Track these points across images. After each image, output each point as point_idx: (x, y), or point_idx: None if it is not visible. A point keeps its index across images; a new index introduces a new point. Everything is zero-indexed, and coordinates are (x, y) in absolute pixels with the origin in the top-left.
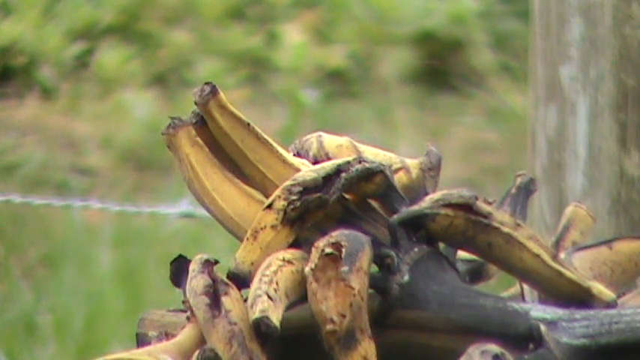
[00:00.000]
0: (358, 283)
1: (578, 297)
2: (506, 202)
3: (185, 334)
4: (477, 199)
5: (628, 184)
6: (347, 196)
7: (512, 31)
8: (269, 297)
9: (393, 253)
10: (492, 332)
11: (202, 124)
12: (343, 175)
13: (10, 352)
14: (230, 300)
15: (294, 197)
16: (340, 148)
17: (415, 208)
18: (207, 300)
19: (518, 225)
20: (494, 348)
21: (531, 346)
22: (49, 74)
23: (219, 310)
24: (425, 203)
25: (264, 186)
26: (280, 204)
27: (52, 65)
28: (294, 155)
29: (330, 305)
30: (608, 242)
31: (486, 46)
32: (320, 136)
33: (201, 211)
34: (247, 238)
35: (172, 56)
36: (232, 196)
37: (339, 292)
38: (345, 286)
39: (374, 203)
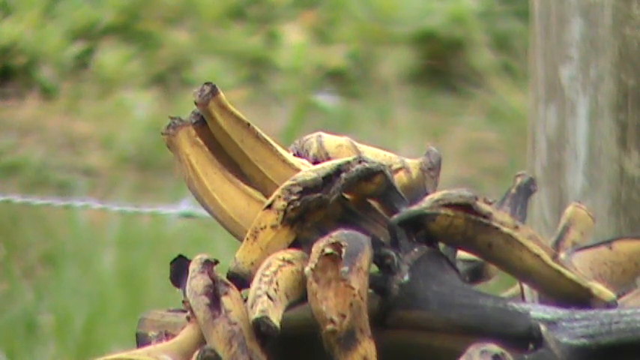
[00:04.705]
0: (358, 283)
1: (578, 297)
2: (506, 202)
3: (185, 334)
4: (476, 199)
5: (628, 184)
6: (347, 196)
7: (512, 31)
8: (269, 297)
9: (393, 253)
10: (492, 332)
11: (202, 124)
12: (343, 175)
13: (11, 352)
14: (230, 300)
15: (294, 197)
16: (340, 148)
17: (415, 208)
18: (207, 300)
19: (518, 225)
20: (494, 348)
21: (531, 346)
22: (49, 74)
23: (219, 310)
24: (425, 203)
25: (264, 186)
26: (280, 204)
27: (52, 65)
28: (294, 155)
29: (330, 305)
30: (608, 242)
31: (486, 46)
32: (320, 136)
33: (201, 211)
34: (247, 238)
35: (172, 56)
36: (232, 196)
37: (339, 292)
38: (345, 286)
39: (374, 203)
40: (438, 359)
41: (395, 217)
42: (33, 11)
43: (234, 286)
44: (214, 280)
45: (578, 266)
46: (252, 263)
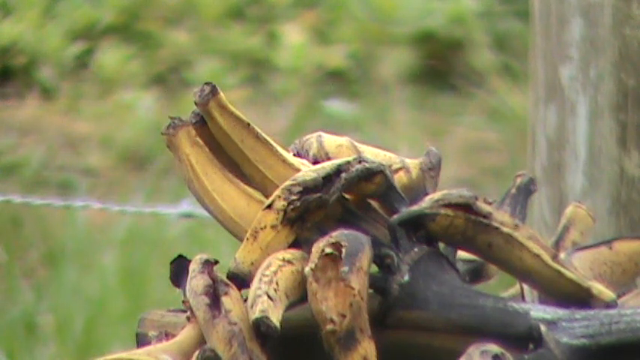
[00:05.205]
0: (358, 283)
1: (578, 297)
2: (506, 202)
3: (185, 334)
4: (476, 199)
5: (628, 184)
6: (347, 196)
7: (512, 31)
8: (269, 297)
9: (393, 253)
10: (492, 332)
11: (202, 124)
12: (343, 175)
13: (11, 352)
14: (230, 300)
15: (294, 197)
16: (340, 148)
17: (415, 208)
18: (207, 300)
19: (518, 225)
20: (494, 348)
21: (531, 346)
22: (49, 74)
23: (219, 310)
24: (425, 203)
25: (264, 186)
26: (280, 204)
27: (52, 65)
28: (294, 155)
29: (330, 305)
30: (608, 242)
31: (486, 46)
32: (320, 136)
33: (201, 211)
34: (247, 238)
35: (172, 56)
36: (232, 196)
37: (339, 292)
38: (345, 286)
39: (374, 203)
40: (437, 359)
41: (395, 217)
42: (33, 11)
43: (234, 286)
44: (214, 280)
45: (578, 266)
46: (252, 263)
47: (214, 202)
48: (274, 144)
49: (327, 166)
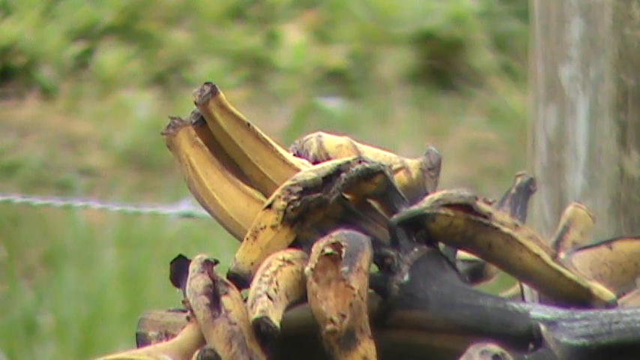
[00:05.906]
0: (358, 283)
1: (578, 297)
2: (506, 202)
3: (185, 334)
4: (476, 199)
5: (628, 184)
6: (347, 196)
7: (512, 31)
8: (269, 297)
9: (393, 253)
10: (492, 332)
11: (202, 124)
12: (343, 175)
13: (11, 352)
14: (230, 300)
15: (294, 197)
16: (340, 148)
17: (415, 208)
18: (207, 300)
19: (518, 225)
20: (494, 348)
21: (531, 346)
22: (49, 74)
23: (219, 310)
24: (425, 203)
25: (264, 186)
26: (280, 204)
27: (52, 65)
28: (294, 155)
29: (330, 305)
30: (608, 242)
31: (486, 46)
32: (320, 136)
33: (202, 211)
34: (247, 238)
35: (172, 56)
36: (232, 196)
37: (339, 292)
38: (345, 286)
39: (374, 203)
40: (437, 359)
41: (395, 217)
42: (33, 11)
43: (234, 286)
44: (214, 280)
45: (578, 266)
46: (252, 263)
47: (214, 202)
48: (274, 144)
49: (327, 166)
